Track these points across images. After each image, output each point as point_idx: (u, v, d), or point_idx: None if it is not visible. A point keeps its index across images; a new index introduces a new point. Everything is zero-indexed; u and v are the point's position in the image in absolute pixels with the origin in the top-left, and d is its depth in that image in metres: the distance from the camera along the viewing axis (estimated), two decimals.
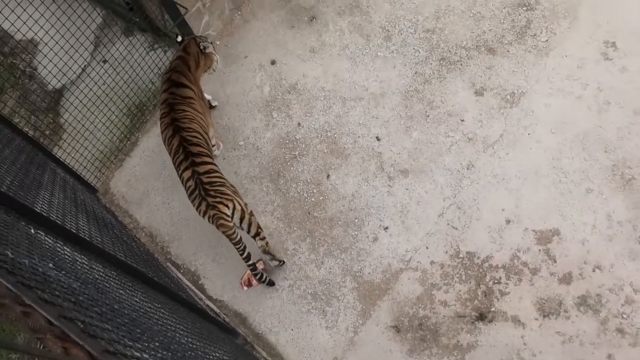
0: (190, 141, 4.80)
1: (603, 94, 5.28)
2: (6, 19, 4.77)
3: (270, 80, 6.09)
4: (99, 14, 6.14)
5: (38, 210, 3.09)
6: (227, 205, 4.65)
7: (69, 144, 5.79)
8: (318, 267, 5.25)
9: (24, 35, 5.06)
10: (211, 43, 5.48)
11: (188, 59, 5.27)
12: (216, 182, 4.67)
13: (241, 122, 5.99)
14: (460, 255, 5.02)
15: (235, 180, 5.72)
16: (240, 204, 4.74)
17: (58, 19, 5.08)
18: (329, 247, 5.28)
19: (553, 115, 5.31)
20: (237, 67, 6.23)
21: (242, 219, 4.79)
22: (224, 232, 4.69)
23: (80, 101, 5.76)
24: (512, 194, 5.11)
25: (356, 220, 5.32)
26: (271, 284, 5.27)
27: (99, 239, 3.91)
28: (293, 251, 5.34)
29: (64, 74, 5.50)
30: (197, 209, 4.68)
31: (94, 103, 5.77)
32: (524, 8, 5.75)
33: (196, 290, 5.40)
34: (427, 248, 5.10)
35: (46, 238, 2.72)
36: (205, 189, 4.60)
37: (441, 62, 5.75)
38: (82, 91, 5.78)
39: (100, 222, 4.58)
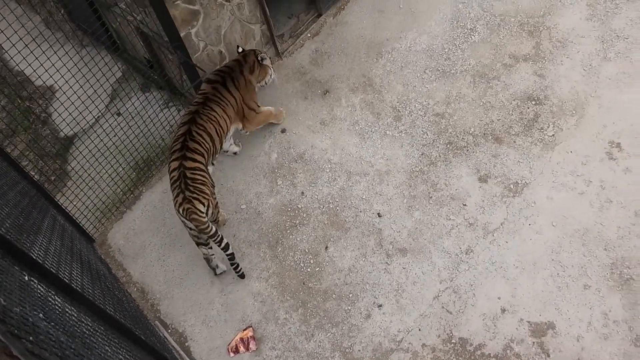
0: (193, 137, 5.16)
1: (605, 192, 5.33)
2: (29, 65, 4.90)
3: (279, 148, 6.17)
4: (119, 68, 6.30)
5: (34, 257, 3.09)
6: (202, 203, 4.98)
7: (72, 192, 5.83)
8: (308, 339, 5.16)
9: (44, 82, 5.19)
10: (269, 58, 5.87)
11: (243, 65, 5.71)
12: (198, 179, 5.01)
13: (245, 186, 6.03)
14: (453, 341, 4.94)
15: (233, 244, 5.71)
16: (212, 203, 5.11)
17: (79, 70, 5.22)
18: (321, 319, 5.21)
19: (555, 209, 5.34)
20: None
21: (212, 214, 5.19)
22: (197, 227, 4.98)
23: (90, 151, 5.83)
24: (509, 283, 5.08)
25: (350, 295, 5.27)
26: (242, 276, 5.49)
27: (90, 291, 3.87)
28: (284, 320, 5.27)
29: (77, 123, 5.60)
30: (174, 200, 5.00)
31: (102, 154, 5.84)
32: (533, 102, 5.88)
33: (182, 353, 5.30)
34: (419, 330, 5.02)
35: (39, 286, 2.70)
36: (187, 182, 4.95)
37: (448, 146, 5.84)
38: (92, 141, 5.86)
39: (93, 273, 4.55)
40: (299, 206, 5.81)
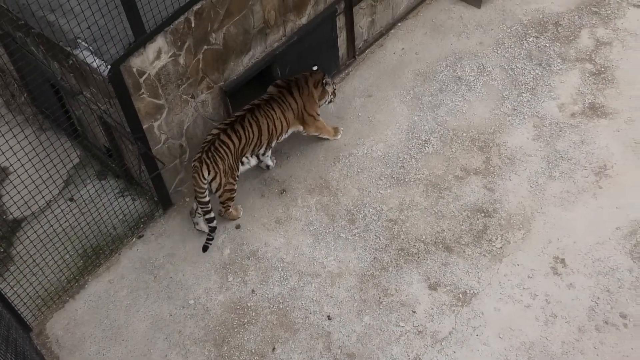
0: (243, 122, 5.88)
1: (550, 306, 5.45)
2: None
3: (232, 244, 6.16)
4: (77, 155, 6.30)
5: None
6: (209, 171, 5.69)
7: (14, 277, 5.63)
8: None
9: None
10: (333, 85, 6.62)
11: (309, 79, 6.34)
12: (220, 152, 5.73)
13: (195, 281, 5.95)
14: None
15: (178, 340, 5.55)
16: (223, 181, 5.79)
17: (37, 154, 5.20)
18: None
19: (502, 320, 5.41)
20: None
21: (216, 190, 5.87)
22: (194, 186, 5.77)
23: (38, 235, 5.69)
24: None
25: None
26: (205, 248, 6.04)
27: None
28: None
29: (29, 207, 5.50)
30: (195, 155, 5.83)
31: (50, 240, 5.71)
32: (483, 214, 6.08)
33: None
34: None
35: None
36: (210, 149, 5.72)
37: (400, 252, 5.93)
38: (41, 225, 5.74)
39: None
40: (249, 304, 5.73)
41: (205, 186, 5.72)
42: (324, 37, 6.85)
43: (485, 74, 7.10)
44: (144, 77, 5.39)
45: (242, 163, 6.11)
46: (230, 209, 6.18)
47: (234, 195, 6.09)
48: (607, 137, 6.47)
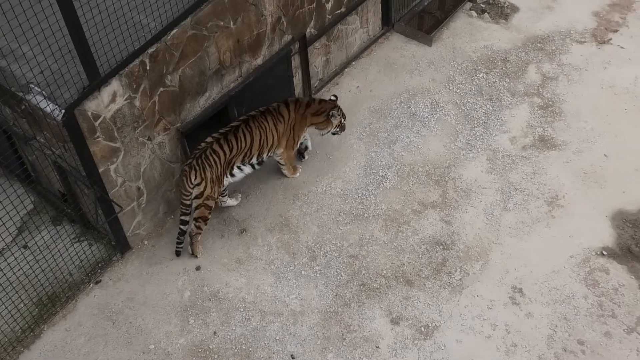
0: (237, 133, 6.07)
1: (510, 336, 5.52)
2: None
3: (192, 286, 6.09)
4: (31, 201, 6.18)
5: None
6: (196, 177, 5.87)
7: None
8: None
9: None
10: (342, 118, 6.64)
11: (312, 105, 6.47)
12: (210, 161, 5.92)
13: (155, 325, 5.84)
14: None
15: None
16: (207, 191, 5.94)
17: None
18: None
19: (463, 352, 5.45)
20: (160, 269, 6.23)
21: (196, 197, 5.97)
22: (180, 189, 6.06)
23: None
24: None
25: None
26: (177, 253, 6.29)
27: None
28: None
29: None
30: (187, 158, 6.09)
31: (4, 289, 5.54)
32: (441, 247, 6.17)
33: None
34: None
35: None
36: (202, 156, 5.91)
37: (361, 287, 5.95)
38: None
39: None
40: (211, 347, 5.64)
41: (192, 190, 5.96)
42: (280, 77, 6.95)
43: (438, 110, 7.28)
44: (99, 120, 5.36)
45: (232, 174, 6.26)
46: (199, 238, 6.23)
47: (209, 216, 6.16)
48: (558, 168, 6.68)
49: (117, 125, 5.55)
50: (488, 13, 8.33)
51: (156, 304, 5.98)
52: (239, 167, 6.27)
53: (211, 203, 6.07)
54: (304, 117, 6.48)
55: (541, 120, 7.12)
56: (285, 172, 6.78)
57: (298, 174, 6.85)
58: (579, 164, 6.71)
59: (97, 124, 5.36)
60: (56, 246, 5.76)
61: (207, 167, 5.92)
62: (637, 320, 5.55)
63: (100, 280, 6.20)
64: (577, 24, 8.11)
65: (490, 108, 7.27)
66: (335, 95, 6.68)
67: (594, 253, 6.01)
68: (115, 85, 5.33)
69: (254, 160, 6.35)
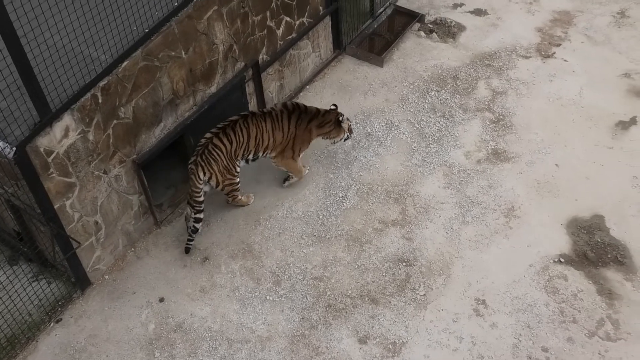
0: (234, 128, 6.24)
1: (477, 347, 5.59)
2: None
3: (157, 318, 6.00)
4: None
5: None
6: (204, 172, 6.15)
7: None
8: None
9: None
10: (348, 122, 6.79)
11: (316, 116, 6.58)
12: (213, 155, 6.14)
13: None
14: None
15: None
16: (221, 179, 6.26)
17: None
18: None
19: None
20: (123, 303, 6.13)
21: (217, 186, 6.33)
22: (190, 187, 6.23)
23: None
24: None
25: None
26: (187, 251, 6.42)
27: None
28: None
29: None
30: (190, 158, 6.26)
31: None
32: (404, 263, 6.23)
33: None
34: None
35: None
36: (204, 152, 6.15)
37: (327, 308, 5.95)
38: None
39: None
40: None
41: (202, 186, 6.21)
42: (235, 104, 6.97)
43: (393, 129, 7.40)
44: (52, 156, 5.29)
45: (239, 164, 6.46)
46: (238, 197, 6.62)
47: (237, 186, 6.51)
48: (512, 180, 6.84)
49: (71, 160, 5.48)
50: (436, 33, 8.54)
51: (120, 339, 5.87)
52: (239, 160, 6.45)
53: (231, 180, 6.38)
54: (308, 131, 6.60)
55: (493, 134, 7.30)
56: (294, 176, 6.91)
57: (307, 171, 6.99)
58: (532, 174, 6.89)
59: (50, 159, 5.29)
60: (13, 286, 5.62)
61: (212, 160, 6.17)
62: (597, 324, 5.69)
63: (61, 319, 6.06)
64: (521, 40, 8.38)
65: (444, 125, 7.42)
66: (334, 105, 6.76)
67: (552, 261, 6.15)
68: (67, 119, 5.28)
69: (250, 157, 6.53)
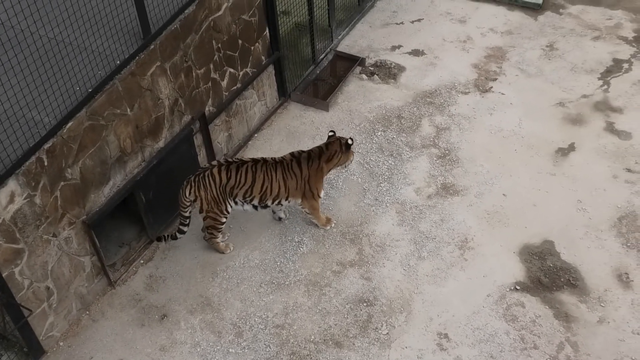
0: (239, 169, 6.32)
1: None
2: None
3: None
4: None
5: None
6: (190, 193, 6.29)
7: None
8: None
9: None
10: (352, 140, 6.66)
11: (324, 152, 6.59)
12: (206, 184, 6.24)
13: None
14: None
15: None
16: (205, 207, 6.33)
17: None
18: None
19: None
20: None
21: (201, 211, 6.41)
22: (178, 200, 6.39)
23: None
24: None
25: None
26: (158, 239, 6.78)
27: None
28: None
29: None
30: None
31: None
32: (365, 304, 6.24)
33: None
34: None
35: None
36: (200, 175, 6.28)
37: (292, 356, 5.88)
38: None
39: None
40: None
41: (187, 203, 6.37)
42: (184, 157, 6.95)
43: (344, 171, 7.49)
44: None
45: (236, 203, 6.49)
46: (217, 239, 6.67)
47: (219, 226, 6.52)
48: (463, 212, 6.99)
49: (18, 225, 5.33)
50: (377, 75, 8.77)
51: None
52: (240, 202, 6.49)
53: (215, 216, 6.40)
54: (320, 169, 6.59)
55: (441, 169, 7.48)
56: (315, 222, 6.89)
57: (331, 226, 6.94)
58: (481, 206, 7.06)
59: None
60: None
61: (202, 187, 6.25)
62: (558, 348, 5.79)
63: None
64: (459, 76, 8.68)
65: (393, 163, 7.56)
66: (332, 131, 6.80)
67: (508, 289, 6.27)
68: (12, 185, 5.16)
69: (255, 202, 6.52)
